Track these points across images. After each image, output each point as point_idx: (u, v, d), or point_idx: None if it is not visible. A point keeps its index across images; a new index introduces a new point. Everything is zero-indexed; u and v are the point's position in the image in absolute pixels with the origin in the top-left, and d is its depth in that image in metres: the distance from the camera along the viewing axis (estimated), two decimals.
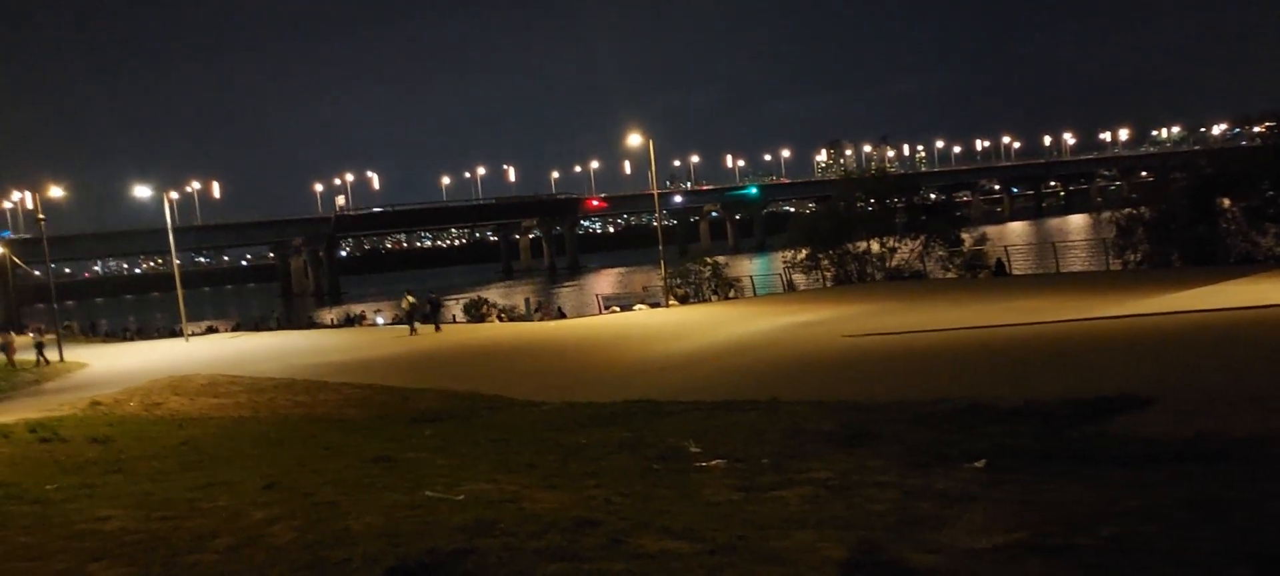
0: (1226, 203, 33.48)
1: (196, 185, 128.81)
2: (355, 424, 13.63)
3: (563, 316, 45.20)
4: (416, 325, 35.11)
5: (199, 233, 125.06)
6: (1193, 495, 5.45)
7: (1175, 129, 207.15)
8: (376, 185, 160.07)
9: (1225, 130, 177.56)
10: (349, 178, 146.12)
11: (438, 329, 35.09)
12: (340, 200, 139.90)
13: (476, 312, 46.13)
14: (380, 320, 42.70)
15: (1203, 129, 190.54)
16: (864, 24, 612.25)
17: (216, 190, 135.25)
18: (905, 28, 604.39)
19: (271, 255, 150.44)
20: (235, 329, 56.85)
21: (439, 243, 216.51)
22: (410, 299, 37.48)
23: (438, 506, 6.12)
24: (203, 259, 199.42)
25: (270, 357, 27.77)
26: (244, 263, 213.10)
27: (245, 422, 14.47)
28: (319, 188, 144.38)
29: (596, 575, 4.25)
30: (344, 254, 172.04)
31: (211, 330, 57.02)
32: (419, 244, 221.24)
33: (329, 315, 61.82)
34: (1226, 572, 4.10)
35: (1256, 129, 35.30)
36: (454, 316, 48.94)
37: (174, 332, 51.28)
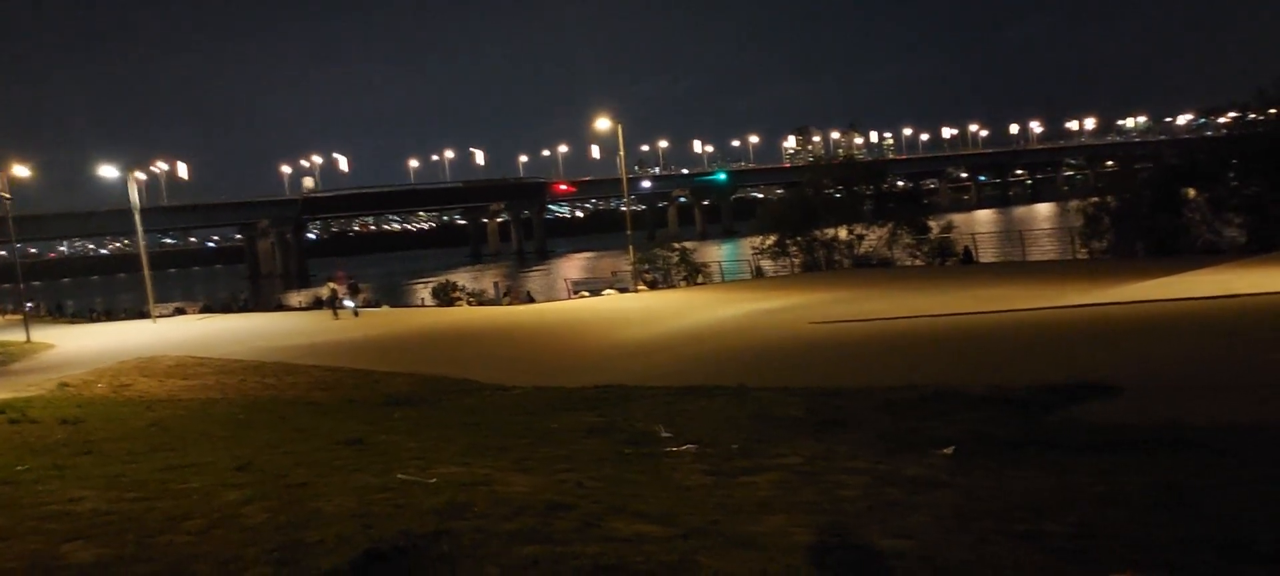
0: (1191, 193, 34.05)
1: (163, 166, 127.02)
2: (325, 406, 13.55)
3: (532, 301, 45.09)
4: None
5: (166, 214, 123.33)
6: (1158, 482, 5.55)
7: (1141, 119, 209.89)
8: (344, 167, 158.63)
9: (1191, 121, 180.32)
10: (317, 160, 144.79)
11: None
12: (308, 182, 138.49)
13: (445, 296, 45.93)
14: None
15: (1168, 119, 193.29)
16: (832, 12, 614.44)
17: (183, 171, 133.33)
18: (873, 17, 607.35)
19: (238, 237, 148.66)
20: (203, 310, 56.18)
21: (407, 226, 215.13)
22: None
23: (410, 489, 6.09)
24: (169, 240, 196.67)
25: (238, 339, 27.48)
26: (211, 244, 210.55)
27: (214, 404, 14.33)
28: (286, 170, 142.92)
29: (570, 558, 4.25)
30: (312, 236, 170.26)
31: (179, 311, 56.32)
32: (387, 227, 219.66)
33: (297, 297, 61.29)
34: (1191, 559, 4.17)
35: (1221, 120, 36.03)
36: (422, 300, 48.65)
37: (141, 314, 50.57)
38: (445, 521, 5.01)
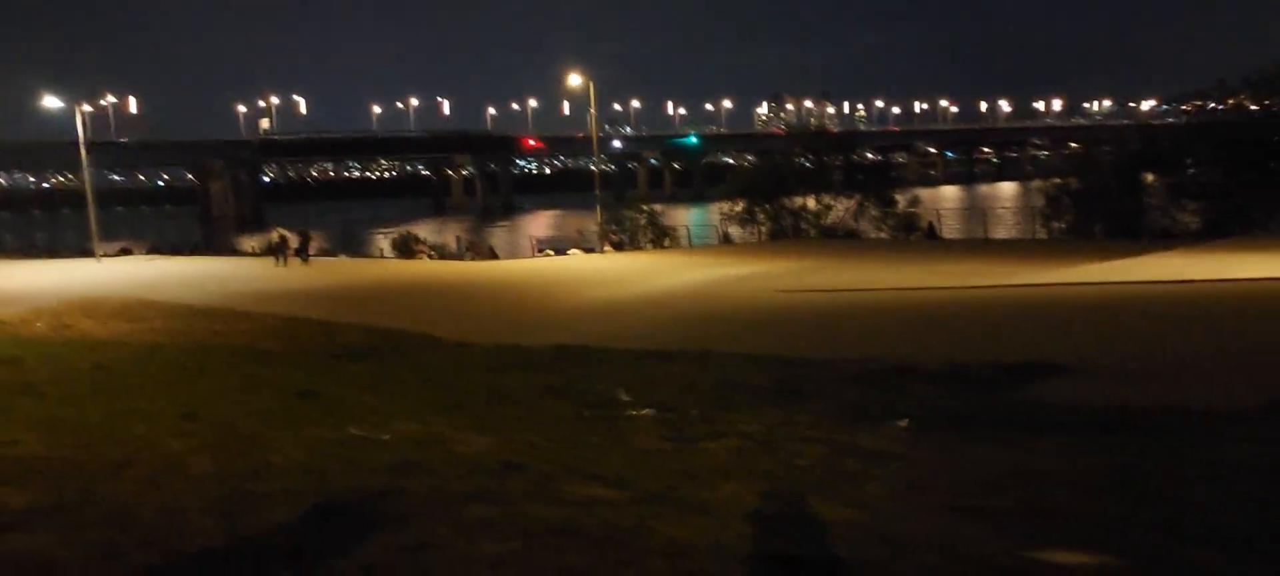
0: (1150, 178, 34.62)
1: (112, 99, 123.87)
2: (277, 356, 13.33)
3: (495, 257, 44.77)
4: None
5: (115, 150, 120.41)
6: (1108, 462, 5.63)
7: (1106, 103, 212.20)
8: (304, 110, 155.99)
9: (1154, 106, 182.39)
10: (274, 101, 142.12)
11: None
12: (264, 124, 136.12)
13: (406, 249, 45.42)
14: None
15: (1132, 104, 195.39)
16: None
17: (134, 106, 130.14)
18: None
19: (191, 177, 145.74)
20: (151, 252, 55.00)
21: (368, 174, 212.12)
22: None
23: (363, 444, 6.01)
24: (117, 177, 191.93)
25: (188, 283, 26.99)
26: (161, 183, 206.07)
27: (161, 349, 14.02)
28: (242, 110, 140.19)
29: (524, 519, 4.22)
30: (267, 180, 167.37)
31: (125, 252, 54.95)
32: (347, 174, 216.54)
33: (250, 242, 60.33)
34: (1135, 539, 4.23)
35: (1184, 108, 36.58)
36: (381, 251, 48.11)
37: (85, 252, 49.43)
38: (398, 478, 4.95)
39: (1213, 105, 36.08)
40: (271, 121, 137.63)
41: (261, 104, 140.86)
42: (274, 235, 38.37)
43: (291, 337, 15.79)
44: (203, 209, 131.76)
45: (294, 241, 36.48)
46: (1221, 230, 30.27)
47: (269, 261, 35.98)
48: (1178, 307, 14.35)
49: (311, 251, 37.30)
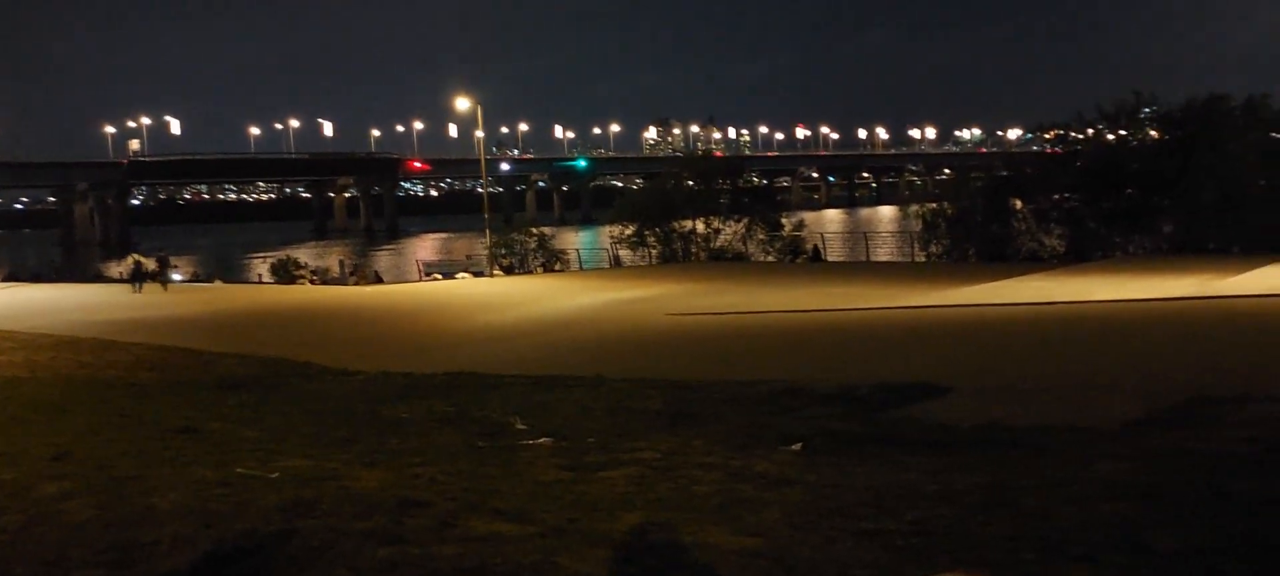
0: (1018, 204, 36.50)
1: None
2: (152, 389, 12.70)
3: (380, 281, 43.83)
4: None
5: None
6: (984, 481, 5.89)
7: (976, 131, 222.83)
8: (176, 131, 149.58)
9: (1019, 135, 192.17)
10: (145, 121, 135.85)
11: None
12: (134, 144, 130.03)
13: (286, 273, 44.00)
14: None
15: (1000, 133, 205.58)
16: (697, 4, 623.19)
17: None
18: (736, 13, 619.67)
19: (52, 200, 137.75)
20: (8, 278, 51.71)
21: (245, 197, 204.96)
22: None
23: (251, 484, 5.79)
24: None
25: (50, 311, 25.53)
26: (19, 206, 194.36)
27: (22, 384, 13.17)
28: (111, 130, 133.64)
29: (428, 559, 4.14)
30: (137, 202, 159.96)
31: None
32: (223, 197, 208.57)
33: (117, 267, 57.43)
34: (1012, 557, 4.44)
35: (1046, 136, 38.76)
36: (259, 276, 46.50)
37: None
38: (292, 520, 4.79)
39: (1073, 135, 38.29)
40: (142, 143, 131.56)
41: (131, 124, 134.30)
42: (129, 261, 36.90)
43: (165, 369, 15.08)
44: (66, 233, 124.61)
45: (152, 267, 35.03)
46: (1083, 254, 32.11)
47: (129, 288, 34.42)
48: (1045, 328, 15.16)
49: (172, 277, 35.90)
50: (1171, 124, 35.72)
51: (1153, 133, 36.86)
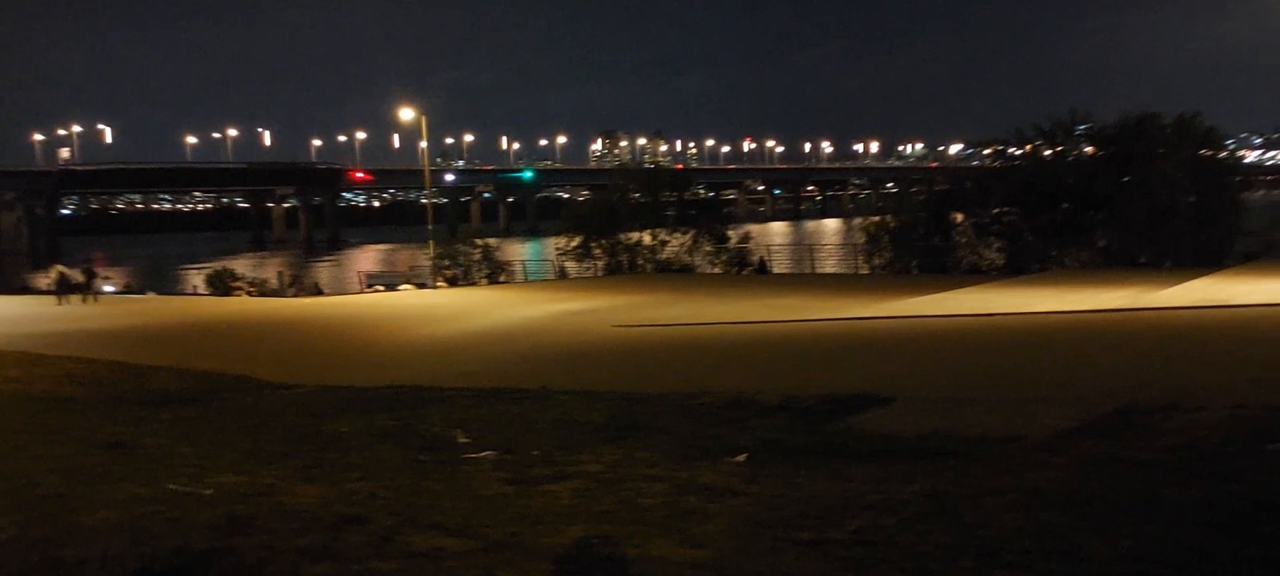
0: (959, 217, 37.21)
1: None
2: (81, 404, 12.33)
3: (320, 293, 43.14)
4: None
5: None
6: (925, 490, 5.97)
7: (918, 145, 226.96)
8: (109, 139, 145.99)
9: (960, 150, 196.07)
10: (77, 129, 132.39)
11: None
12: (65, 153, 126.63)
13: (222, 285, 43.08)
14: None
15: (941, 148, 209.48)
16: (643, 18, 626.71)
17: None
18: (682, 27, 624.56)
19: None
20: None
21: (181, 207, 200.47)
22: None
23: (184, 500, 5.64)
24: None
25: None
26: None
27: None
28: (40, 138, 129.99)
29: None
30: (67, 212, 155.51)
31: None
32: (157, 206, 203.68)
33: (45, 279, 55.76)
34: (952, 566, 4.50)
35: (986, 151, 39.55)
36: (195, 288, 45.47)
37: None
38: (225, 537, 4.67)
39: (1011, 150, 39.12)
40: (73, 151, 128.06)
41: (62, 132, 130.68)
42: (53, 273, 35.84)
43: (96, 383, 14.65)
44: None
45: (78, 278, 34.07)
46: (1021, 267, 32.83)
47: (69, 299, 33.41)
48: (985, 339, 15.46)
49: (103, 288, 34.92)
50: (1106, 141, 36.71)
51: (1088, 149, 37.83)
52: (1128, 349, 13.46)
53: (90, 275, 35.27)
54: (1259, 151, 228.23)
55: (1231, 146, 59.03)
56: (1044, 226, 35.12)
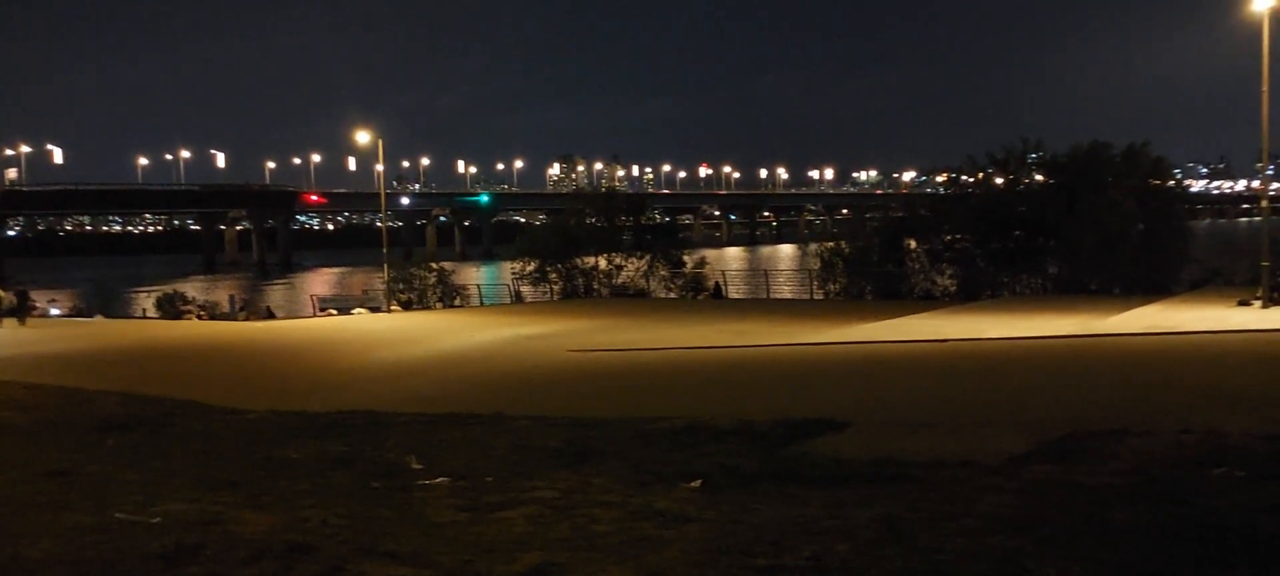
0: (912, 244, 37.70)
1: None
2: (22, 430, 11.98)
3: (272, 317, 42.49)
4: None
5: None
6: (880, 514, 6.00)
7: (873, 172, 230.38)
8: (59, 159, 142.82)
9: (914, 177, 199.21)
10: (24, 149, 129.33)
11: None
12: (11, 173, 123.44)
13: (172, 308, 42.26)
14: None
15: (896, 175, 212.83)
16: (601, 44, 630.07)
17: None
18: (640, 53, 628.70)
19: None
20: None
21: (132, 228, 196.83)
22: None
23: (130, 529, 5.50)
24: None
25: None
26: None
27: None
28: None
29: None
30: (12, 234, 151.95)
31: None
32: (107, 228, 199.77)
33: None
34: None
35: (939, 179, 40.18)
36: (144, 311, 44.49)
37: None
38: (173, 567, 4.56)
39: (963, 178, 39.80)
40: (20, 172, 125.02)
41: (9, 152, 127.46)
42: None
43: (37, 409, 14.23)
44: None
45: (11, 301, 33.14)
46: (974, 293, 33.33)
47: (8, 323, 32.47)
48: (938, 364, 15.64)
49: (36, 310, 33.99)
50: (1056, 169, 37.49)
51: (1039, 177, 38.61)
52: (1078, 374, 13.70)
53: (23, 297, 34.30)
54: (1205, 181, 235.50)
55: (1178, 176, 60.74)
56: (996, 253, 35.71)
